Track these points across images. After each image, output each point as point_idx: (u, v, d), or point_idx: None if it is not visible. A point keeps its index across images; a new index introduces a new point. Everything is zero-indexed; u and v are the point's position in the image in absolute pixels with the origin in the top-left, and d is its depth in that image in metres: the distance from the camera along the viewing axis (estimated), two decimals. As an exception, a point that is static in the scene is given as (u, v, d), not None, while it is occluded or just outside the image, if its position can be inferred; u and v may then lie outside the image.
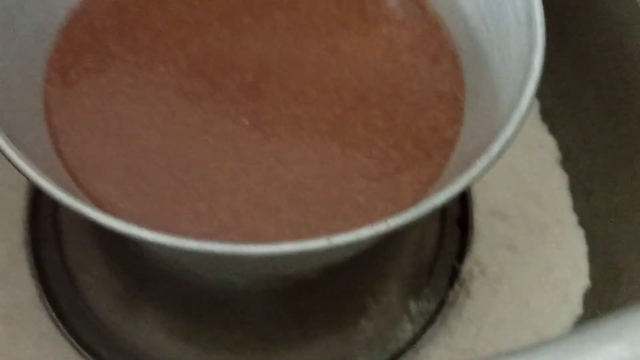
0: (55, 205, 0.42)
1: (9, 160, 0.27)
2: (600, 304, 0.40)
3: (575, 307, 0.41)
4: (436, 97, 0.34)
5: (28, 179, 0.27)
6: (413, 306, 0.40)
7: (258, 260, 0.28)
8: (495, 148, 0.28)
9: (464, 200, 0.43)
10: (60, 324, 0.39)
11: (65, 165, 0.31)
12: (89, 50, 0.34)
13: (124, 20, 0.35)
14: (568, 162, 0.45)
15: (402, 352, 0.40)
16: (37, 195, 0.42)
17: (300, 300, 0.40)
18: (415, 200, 0.31)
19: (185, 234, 0.26)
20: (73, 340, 0.39)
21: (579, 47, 0.42)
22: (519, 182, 0.44)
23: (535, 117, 0.46)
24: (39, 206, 0.42)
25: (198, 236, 0.27)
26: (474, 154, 0.29)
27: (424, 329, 0.40)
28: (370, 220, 0.27)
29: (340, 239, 0.26)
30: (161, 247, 0.27)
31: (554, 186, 0.44)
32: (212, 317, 0.39)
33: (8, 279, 0.40)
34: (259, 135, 0.33)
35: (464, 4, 0.35)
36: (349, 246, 0.27)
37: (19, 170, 0.27)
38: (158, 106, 0.33)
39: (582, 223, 0.43)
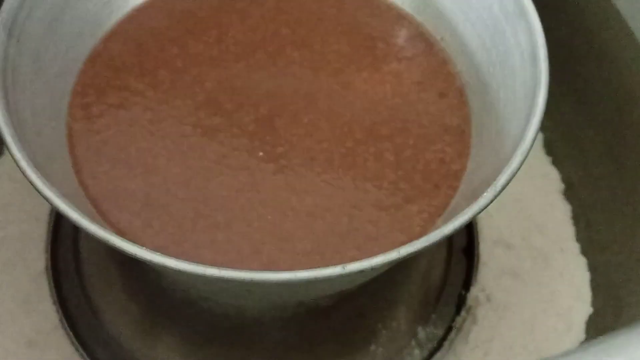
0: (76, 235, 0.42)
1: (38, 190, 0.28)
2: (602, 330, 0.40)
3: (579, 333, 0.41)
4: (443, 131, 0.34)
5: (55, 208, 0.27)
6: (421, 332, 0.40)
7: (275, 287, 0.28)
8: (501, 181, 0.28)
9: (469, 229, 0.43)
10: (80, 349, 0.40)
11: (89, 196, 0.32)
12: (110, 87, 0.35)
13: (144, 57, 0.36)
14: (571, 193, 0.45)
15: (410, 377, 0.40)
16: (57, 225, 0.43)
17: (312, 326, 0.40)
18: (424, 230, 0.31)
19: (204, 262, 0.27)
20: (93, 364, 0.39)
21: (581, 84, 0.42)
22: (523, 212, 0.44)
23: (539, 149, 0.46)
24: (60, 235, 0.43)
25: (217, 264, 0.27)
26: (480, 185, 0.30)
27: (431, 354, 0.40)
28: (381, 249, 0.27)
29: (354, 266, 0.26)
30: (182, 274, 0.27)
31: (557, 216, 0.45)
32: (228, 342, 0.40)
33: (30, 306, 0.41)
34: (273, 168, 0.33)
35: (470, 41, 0.35)
36: (361, 274, 0.27)
37: (47, 200, 0.27)
38: (177, 140, 0.33)
39: (585, 252, 0.44)
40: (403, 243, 0.27)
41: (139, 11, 0.37)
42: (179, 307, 0.40)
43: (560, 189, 0.45)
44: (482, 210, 0.28)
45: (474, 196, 0.29)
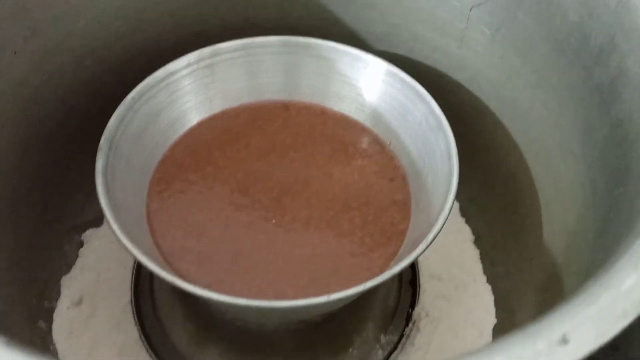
0: (151, 278, 0.42)
1: (126, 250, 0.28)
2: (503, 334, 0.40)
3: (488, 337, 0.41)
4: (393, 203, 0.34)
5: (139, 261, 0.28)
6: (383, 338, 0.40)
7: (283, 310, 0.28)
8: (431, 236, 0.29)
9: (413, 267, 0.43)
10: (153, 355, 0.39)
11: (160, 251, 0.32)
12: (175, 179, 0.35)
13: (196, 159, 0.36)
14: (478, 241, 0.45)
15: (376, 370, 0.39)
16: (138, 271, 0.42)
17: (310, 335, 0.39)
18: (382, 270, 0.31)
19: (237, 295, 0.27)
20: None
21: (482, 169, 0.42)
22: (448, 255, 0.44)
23: (456, 212, 0.46)
24: (140, 278, 0.42)
25: (246, 296, 0.27)
26: (417, 238, 0.30)
27: (389, 354, 0.40)
28: (354, 283, 0.27)
29: (336, 296, 0.27)
30: (222, 303, 0.27)
31: (470, 257, 0.44)
32: (252, 348, 0.39)
33: (120, 326, 0.40)
34: (282, 230, 0.33)
35: (408, 145, 0.36)
36: (341, 300, 0.27)
37: (134, 257, 0.28)
38: (219, 213, 0.34)
39: (489, 281, 0.43)
40: (368, 279, 0.28)
41: (192, 129, 0.37)
42: (220, 325, 0.40)
43: (471, 239, 0.45)
44: (420, 255, 0.28)
45: (414, 246, 0.29)
